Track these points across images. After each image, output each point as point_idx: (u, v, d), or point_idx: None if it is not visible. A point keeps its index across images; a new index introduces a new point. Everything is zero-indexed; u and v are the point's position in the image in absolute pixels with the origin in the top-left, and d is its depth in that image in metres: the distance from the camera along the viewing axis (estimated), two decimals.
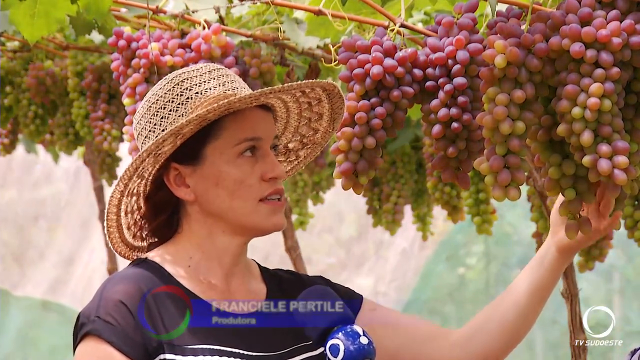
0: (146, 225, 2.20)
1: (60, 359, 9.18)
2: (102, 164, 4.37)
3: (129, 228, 2.23)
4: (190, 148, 2.13)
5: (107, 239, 2.22)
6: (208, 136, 2.13)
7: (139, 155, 2.10)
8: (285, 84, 2.12)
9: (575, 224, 2.16)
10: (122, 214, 2.20)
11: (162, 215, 2.17)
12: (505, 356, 2.28)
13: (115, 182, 2.14)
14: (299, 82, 2.14)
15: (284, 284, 2.25)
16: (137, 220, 2.22)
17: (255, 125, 2.15)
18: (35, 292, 9.90)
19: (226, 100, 2.07)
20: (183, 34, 3.03)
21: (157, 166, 2.15)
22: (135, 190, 2.19)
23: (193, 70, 2.18)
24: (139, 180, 2.17)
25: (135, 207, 2.21)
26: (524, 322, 2.25)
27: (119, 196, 2.17)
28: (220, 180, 2.13)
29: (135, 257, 2.26)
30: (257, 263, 2.28)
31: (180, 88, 2.16)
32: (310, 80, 2.17)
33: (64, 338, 9.15)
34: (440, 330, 2.28)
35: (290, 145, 2.33)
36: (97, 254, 9.65)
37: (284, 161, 2.35)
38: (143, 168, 2.14)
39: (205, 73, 2.17)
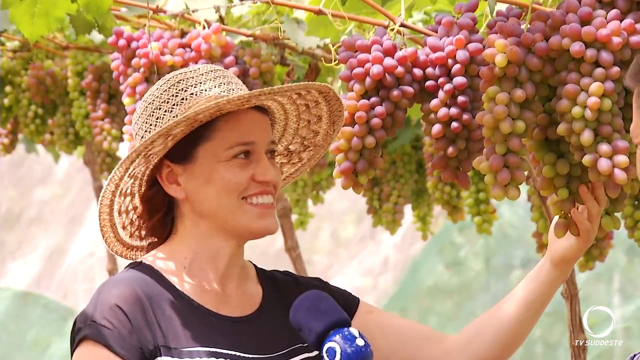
0: (143, 225, 2.20)
1: (43, 348, 9.16)
2: (102, 164, 4.37)
3: (124, 227, 2.23)
4: (182, 148, 2.12)
5: (102, 238, 2.22)
6: (200, 137, 2.11)
7: (128, 156, 2.09)
8: (276, 86, 2.09)
9: (565, 222, 2.16)
10: (116, 214, 2.20)
11: (157, 214, 2.17)
12: None
13: (105, 182, 2.13)
14: (291, 84, 2.12)
15: (280, 285, 2.24)
16: (133, 220, 2.22)
17: (249, 128, 2.13)
18: (19, 284, 9.90)
19: (214, 102, 2.05)
20: (183, 34, 3.03)
21: (151, 166, 2.14)
22: (129, 190, 2.18)
23: (191, 71, 2.16)
24: (132, 181, 2.16)
25: (130, 206, 2.21)
26: (519, 332, 2.26)
27: (110, 196, 2.16)
28: (210, 179, 2.11)
29: (133, 257, 2.26)
30: (254, 264, 2.27)
31: (176, 89, 2.14)
32: (304, 83, 2.15)
33: (46, 329, 9.16)
34: (437, 334, 2.28)
35: (292, 148, 2.31)
36: (85, 249, 9.67)
37: (287, 163, 2.33)
38: (134, 169, 2.13)
39: (203, 74, 2.15)
